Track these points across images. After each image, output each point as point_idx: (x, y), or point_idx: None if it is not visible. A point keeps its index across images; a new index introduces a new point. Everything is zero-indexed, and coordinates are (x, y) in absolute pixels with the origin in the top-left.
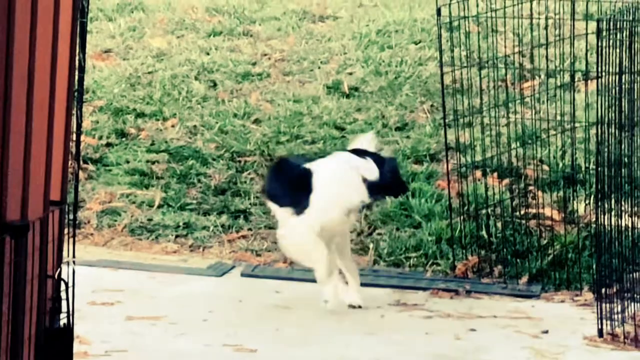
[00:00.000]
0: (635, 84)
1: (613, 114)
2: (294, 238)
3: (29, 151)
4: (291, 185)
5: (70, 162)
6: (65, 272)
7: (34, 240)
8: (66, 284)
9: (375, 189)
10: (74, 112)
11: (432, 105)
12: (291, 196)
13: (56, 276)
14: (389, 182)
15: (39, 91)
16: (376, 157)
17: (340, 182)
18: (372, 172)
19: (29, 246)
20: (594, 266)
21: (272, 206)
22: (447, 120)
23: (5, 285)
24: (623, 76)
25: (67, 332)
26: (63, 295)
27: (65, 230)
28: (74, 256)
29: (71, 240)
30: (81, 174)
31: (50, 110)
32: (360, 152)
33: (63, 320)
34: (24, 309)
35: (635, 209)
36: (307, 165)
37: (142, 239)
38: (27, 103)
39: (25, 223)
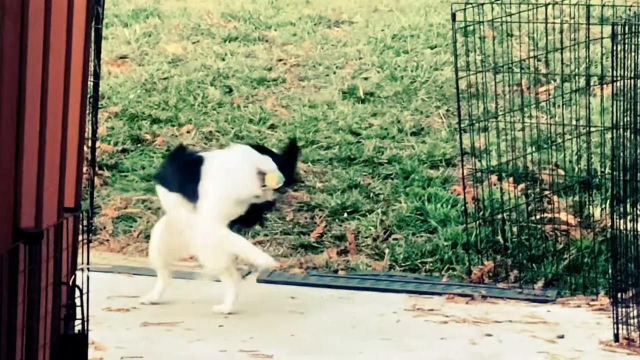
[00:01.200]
0: None
1: (629, 118)
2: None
3: (43, 158)
4: (183, 171)
5: (85, 169)
6: (79, 278)
7: (48, 247)
8: (80, 291)
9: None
10: (89, 118)
11: (447, 110)
12: (182, 182)
13: (70, 283)
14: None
15: (53, 98)
16: (275, 156)
17: (232, 172)
18: (266, 164)
19: (43, 253)
20: (610, 271)
21: (161, 190)
22: (462, 125)
23: (19, 292)
24: (639, 80)
25: (82, 339)
26: (78, 301)
27: (80, 237)
28: (88, 263)
29: (85, 247)
30: (96, 180)
31: (64, 117)
32: (260, 149)
33: (78, 327)
34: (38, 315)
35: None
36: (202, 154)
37: None
38: (40, 110)
39: (39, 230)
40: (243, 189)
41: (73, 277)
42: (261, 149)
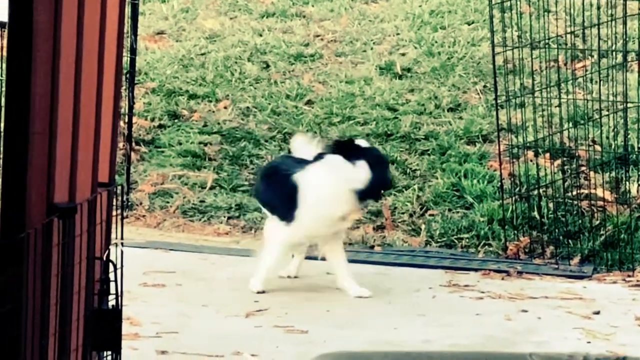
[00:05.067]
0: None
1: None
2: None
3: (77, 133)
4: (280, 195)
5: (122, 144)
6: (113, 253)
7: (82, 222)
8: (114, 266)
9: (364, 196)
10: (126, 94)
11: (485, 86)
12: (281, 206)
13: (104, 258)
14: (377, 187)
15: (87, 73)
16: (366, 156)
17: (327, 196)
18: (360, 181)
19: (77, 228)
20: None
21: (265, 210)
22: (499, 101)
23: (53, 267)
24: None
25: (116, 314)
26: (111, 277)
27: (115, 212)
28: (122, 238)
29: (120, 222)
30: (133, 156)
31: (98, 91)
32: (350, 150)
33: (111, 302)
34: (72, 290)
35: None
36: (296, 175)
37: (194, 220)
38: (74, 85)
39: (73, 205)
40: (340, 210)
41: (107, 252)
42: (351, 149)
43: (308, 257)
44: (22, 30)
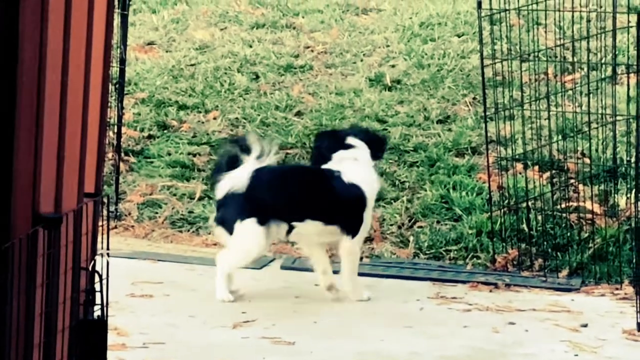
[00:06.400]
0: None
1: None
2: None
3: (63, 143)
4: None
5: (111, 155)
6: (99, 264)
7: (67, 232)
8: (100, 276)
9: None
10: (115, 104)
11: (474, 98)
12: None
13: (90, 268)
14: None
15: (73, 83)
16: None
17: None
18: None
19: (63, 238)
20: (635, 260)
21: None
22: (488, 113)
23: (38, 277)
24: None
25: (101, 324)
26: (97, 287)
27: (101, 222)
28: (108, 248)
29: (106, 232)
30: (122, 166)
31: (84, 102)
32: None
33: (97, 313)
34: (57, 301)
35: None
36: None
37: (182, 231)
38: (61, 95)
39: (58, 215)
40: None
41: (93, 262)
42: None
43: (296, 268)
44: (8, 40)
